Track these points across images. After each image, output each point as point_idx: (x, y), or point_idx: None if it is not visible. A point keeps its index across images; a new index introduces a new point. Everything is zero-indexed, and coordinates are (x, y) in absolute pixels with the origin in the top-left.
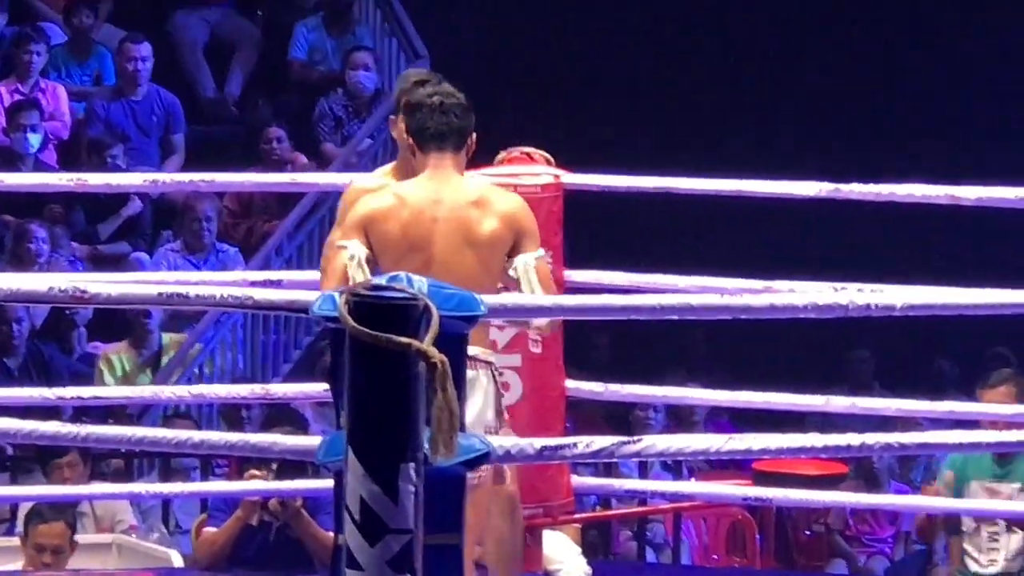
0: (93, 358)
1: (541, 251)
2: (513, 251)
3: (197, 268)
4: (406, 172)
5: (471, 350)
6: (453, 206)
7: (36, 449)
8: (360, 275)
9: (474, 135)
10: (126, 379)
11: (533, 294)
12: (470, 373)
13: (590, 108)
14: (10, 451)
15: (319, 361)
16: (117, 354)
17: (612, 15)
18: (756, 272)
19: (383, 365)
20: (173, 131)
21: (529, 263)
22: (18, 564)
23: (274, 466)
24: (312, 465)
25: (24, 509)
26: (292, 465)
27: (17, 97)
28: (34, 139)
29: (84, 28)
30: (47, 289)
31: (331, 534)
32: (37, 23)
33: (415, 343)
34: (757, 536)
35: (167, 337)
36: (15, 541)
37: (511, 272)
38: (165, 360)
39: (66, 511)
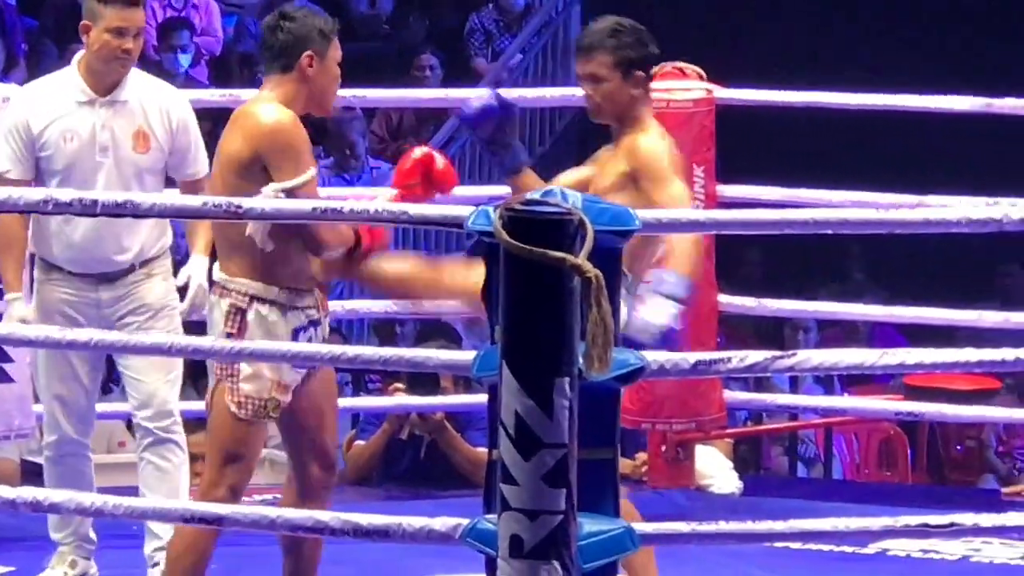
0: None
1: (295, 181)
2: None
3: (351, 185)
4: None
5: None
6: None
7: (189, 366)
8: None
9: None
10: None
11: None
12: (211, 298)
13: (742, 22)
14: None
15: None
16: None
17: None
18: (907, 188)
19: (538, 280)
20: None
21: (267, 194)
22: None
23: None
24: (465, 380)
25: None
26: (430, 380)
27: (169, 12)
28: (184, 59)
29: None
30: (201, 204)
31: (476, 449)
32: None
33: (570, 258)
34: (908, 451)
35: None
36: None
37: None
38: None
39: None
